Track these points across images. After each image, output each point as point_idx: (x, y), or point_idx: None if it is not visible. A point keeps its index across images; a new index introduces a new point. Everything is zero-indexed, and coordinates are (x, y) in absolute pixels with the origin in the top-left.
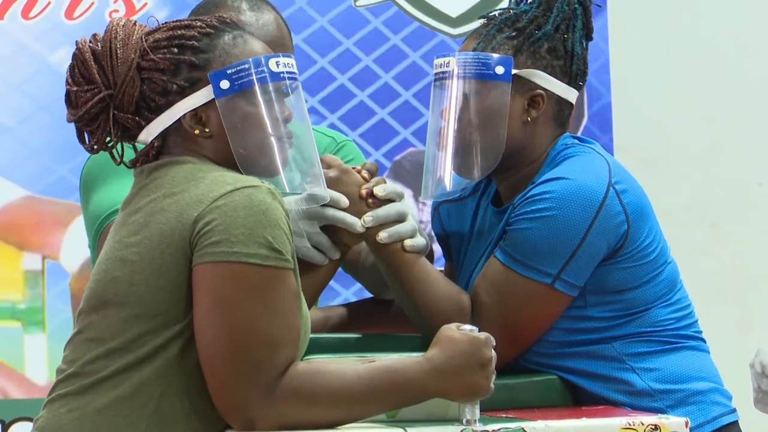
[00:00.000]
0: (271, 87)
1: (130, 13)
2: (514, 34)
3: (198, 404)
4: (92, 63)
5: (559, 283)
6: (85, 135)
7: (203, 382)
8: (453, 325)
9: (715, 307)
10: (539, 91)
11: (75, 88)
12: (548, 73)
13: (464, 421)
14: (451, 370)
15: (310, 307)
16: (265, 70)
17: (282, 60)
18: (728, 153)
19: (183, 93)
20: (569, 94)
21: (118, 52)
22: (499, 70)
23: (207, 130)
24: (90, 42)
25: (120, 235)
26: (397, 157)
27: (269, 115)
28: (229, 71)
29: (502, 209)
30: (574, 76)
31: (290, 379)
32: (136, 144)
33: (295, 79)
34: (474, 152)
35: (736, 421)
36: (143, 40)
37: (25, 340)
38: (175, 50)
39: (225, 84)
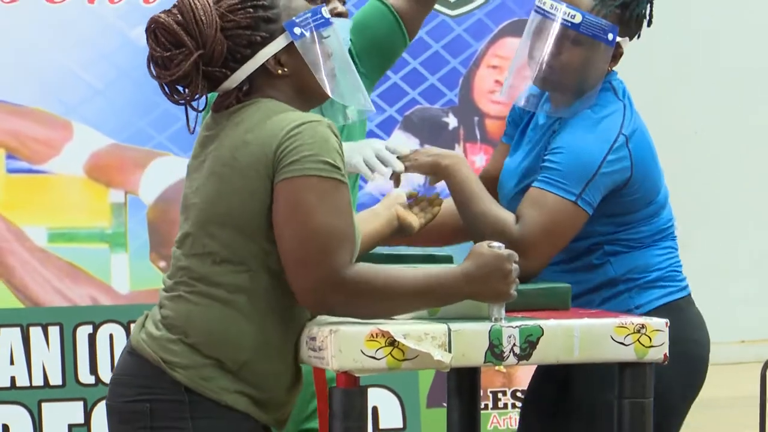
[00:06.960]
0: (329, 29)
1: None
2: (618, 7)
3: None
4: (180, 31)
5: (581, 200)
6: (175, 90)
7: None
8: (484, 243)
9: None
10: (621, 50)
11: (166, 54)
12: (628, 37)
13: (493, 319)
14: (480, 278)
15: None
16: (323, 16)
17: (325, 8)
18: (669, 106)
19: (264, 42)
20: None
21: (203, 18)
22: (609, 37)
23: (286, 69)
24: (168, 16)
25: (211, 168)
26: (407, 113)
27: (335, 47)
28: (298, 20)
29: (554, 116)
30: (633, 34)
31: (356, 268)
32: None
33: (332, 22)
34: (568, 92)
35: (685, 296)
36: (216, 7)
37: (111, 259)
38: (251, 10)
39: (298, 30)
